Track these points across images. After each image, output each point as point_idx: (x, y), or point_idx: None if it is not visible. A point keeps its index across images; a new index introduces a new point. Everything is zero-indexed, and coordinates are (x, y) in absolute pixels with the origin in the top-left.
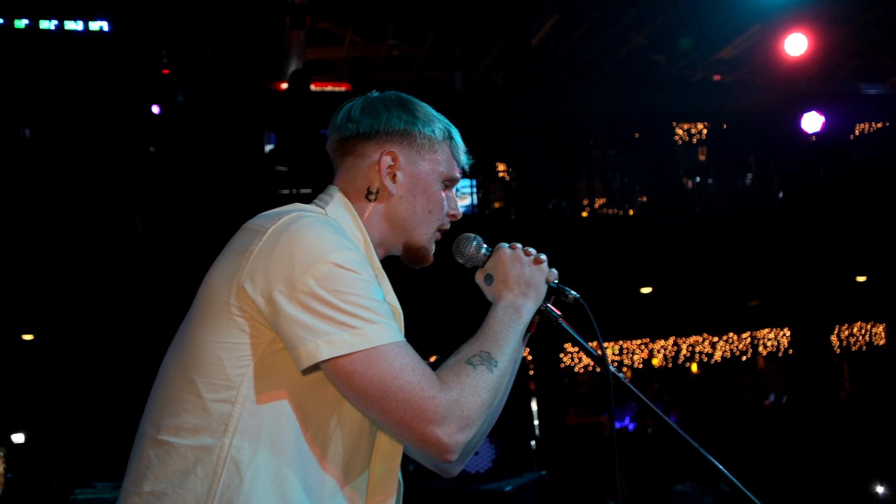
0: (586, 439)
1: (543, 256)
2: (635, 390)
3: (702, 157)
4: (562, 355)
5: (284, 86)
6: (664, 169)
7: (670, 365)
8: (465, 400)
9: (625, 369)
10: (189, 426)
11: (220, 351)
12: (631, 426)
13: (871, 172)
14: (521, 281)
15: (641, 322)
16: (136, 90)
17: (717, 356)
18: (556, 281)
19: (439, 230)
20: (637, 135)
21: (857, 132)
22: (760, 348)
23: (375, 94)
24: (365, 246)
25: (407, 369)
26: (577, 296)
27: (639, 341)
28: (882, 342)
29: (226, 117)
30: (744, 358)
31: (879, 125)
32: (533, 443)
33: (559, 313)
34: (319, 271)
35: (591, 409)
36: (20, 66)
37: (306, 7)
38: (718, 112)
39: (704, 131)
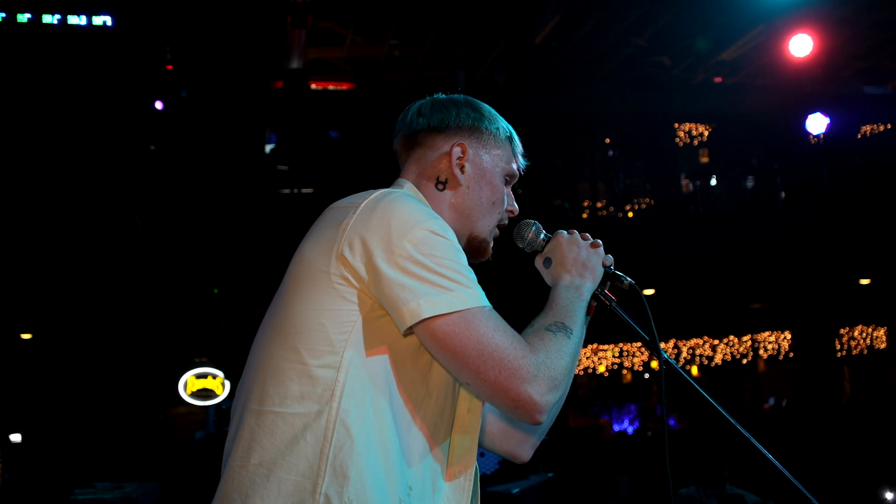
0: (587, 441)
1: (600, 242)
2: (688, 377)
3: (703, 160)
4: None
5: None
6: (666, 170)
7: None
8: (551, 361)
9: (625, 371)
10: (294, 394)
11: (323, 318)
12: (630, 429)
13: (876, 175)
14: (579, 263)
15: (642, 324)
16: (139, 86)
17: (718, 359)
18: (612, 266)
19: (498, 226)
20: (639, 136)
21: (861, 134)
22: (761, 351)
23: (442, 95)
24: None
25: (499, 331)
26: (633, 282)
27: (639, 343)
28: (883, 346)
29: (228, 115)
30: (744, 361)
31: (883, 127)
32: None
33: (614, 298)
34: (416, 237)
35: (590, 412)
36: (22, 60)
37: (308, 6)
38: (722, 114)
39: (706, 133)
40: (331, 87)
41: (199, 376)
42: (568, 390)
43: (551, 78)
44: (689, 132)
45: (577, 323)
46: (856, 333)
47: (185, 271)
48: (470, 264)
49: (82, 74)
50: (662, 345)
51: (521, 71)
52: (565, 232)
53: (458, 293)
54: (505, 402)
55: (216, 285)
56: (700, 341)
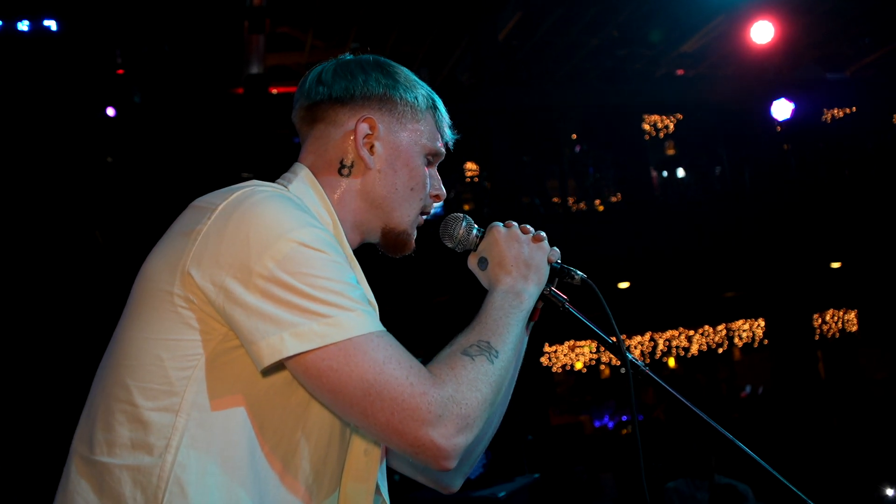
0: (569, 439)
1: (543, 234)
2: (655, 378)
3: (670, 152)
4: (540, 357)
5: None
6: (635, 163)
7: (647, 360)
8: (462, 396)
9: (602, 367)
10: (124, 441)
11: (161, 350)
12: (610, 424)
13: (841, 158)
14: (520, 262)
15: (617, 318)
16: (89, 92)
17: (694, 349)
18: (559, 261)
19: (423, 213)
20: (606, 129)
21: (824, 119)
22: (736, 340)
23: (349, 56)
24: (334, 229)
25: (391, 362)
26: (585, 276)
27: (614, 338)
28: (855, 328)
29: (186, 121)
30: (720, 350)
31: (846, 111)
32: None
33: (565, 297)
34: (280, 251)
35: (570, 409)
36: None
37: (265, 11)
38: (687, 104)
39: (671, 126)
40: (292, 92)
41: None
42: (498, 424)
43: (515, 75)
44: (655, 125)
45: (509, 341)
46: (828, 317)
47: None
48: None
49: (29, 81)
50: (638, 338)
51: (484, 68)
52: (501, 225)
53: (336, 319)
54: (403, 448)
55: None
56: (676, 333)
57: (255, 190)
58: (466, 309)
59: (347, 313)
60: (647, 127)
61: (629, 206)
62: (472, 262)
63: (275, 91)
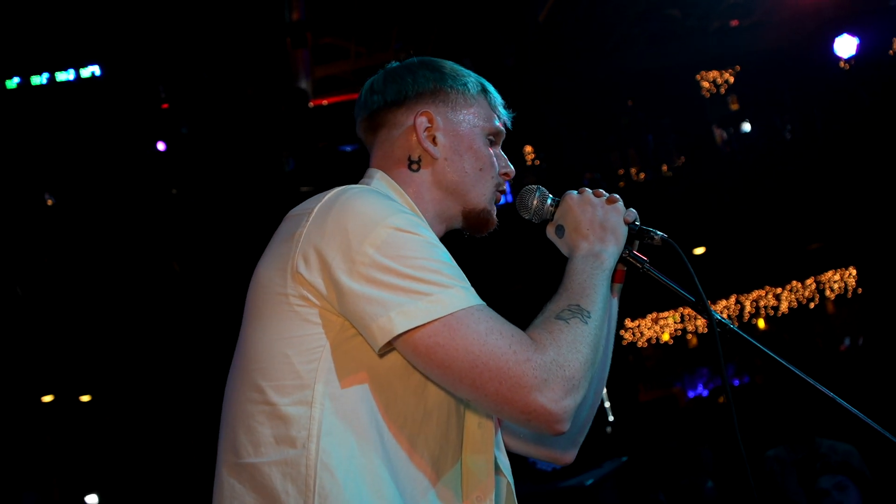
0: (662, 414)
1: (617, 196)
2: (745, 335)
3: (734, 107)
4: (622, 332)
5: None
6: (695, 123)
7: (736, 324)
8: (564, 358)
9: (689, 336)
10: (267, 440)
11: (286, 347)
12: (705, 392)
13: None
14: (596, 225)
15: (684, 284)
16: (137, 129)
17: (784, 307)
18: (637, 222)
19: (498, 190)
20: (662, 93)
21: (893, 51)
22: (827, 292)
23: (395, 64)
24: (422, 221)
25: (493, 333)
26: (665, 236)
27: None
28: None
29: (237, 144)
30: (811, 305)
31: None
32: (608, 428)
33: (646, 259)
34: (378, 238)
35: (661, 383)
36: (17, 125)
37: (305, 25)
38: (744, 56)
39: (731, 80)
40: (342, 100)
41: None
42: (603, 385)
43: (560, 52)
44: (715, 80)
45: (598, 301)
46: None
47: (228, 311)
48: (457, 256)
49: (80, 128)
50: (724, 302)
51: (527, 50)
52: (574, 192)
53: (437, 296)
54: (514, 416)
55: None
56: (762, 292)
57: (346, 189)
58: (540, 297)
59: (447, 290)
60: (705, 84)
61: (695, 169)
62: (549, 232)
63: (325, 102)
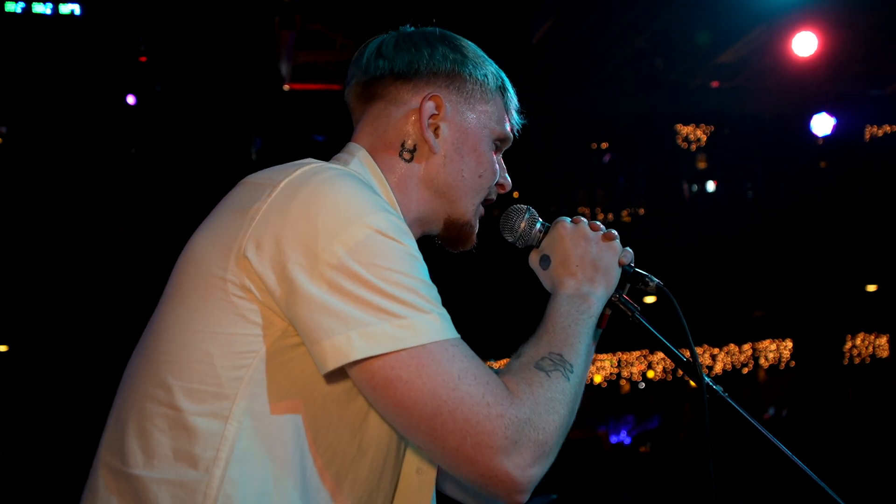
0: (588, 455)
1: (615, 233)
2: (732, 402)
3: (701, 165)
4: None
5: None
6: (666, 174)
7: (669, 378)
8: (540, 419)
9: (623, 382)
10: (163, 451)
11: (211, 344)
12: (627, 440)
13: (882, 178)
14: (587, 262)
15: (641, 333)
16: (110, 79)
17: (718, 368)
18: (633, 264)
19: (485, 202)
20: (639, 138)
21: (867, 136)
22: (762, 360)
23: (411, 28)
24: (404, 225)
25: (467, 376)
26: (661, 283)
27: (638, 353)
28: (885, 354)
29: (209, 114)
30: (745, 370)
31: (889, 129)
32: None
33: (637, 306)
34: (353, 238)
35: (585, 423)
36: None
37: (296, 7)
38: (722, 116)
39: (704, 138)
40: (319, 88)
41: None
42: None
43: (548, 79)
44: (687, 137)
45: (581, 353)
46: (858, 342)
47: (163, 285)
48: (428, 262)
49: (48, 64)
50: (662, 354)
51: (517, 71)
52: (568, 220)
53: (410, 321)
54: (472, 477)
55: None
56: (700, 350)
57: (322, 167)
58: (488, 318)
59: (423, 316)
60: (678, 139)
61: (657, 219)
62: (533, 260)
63: (301, 88)
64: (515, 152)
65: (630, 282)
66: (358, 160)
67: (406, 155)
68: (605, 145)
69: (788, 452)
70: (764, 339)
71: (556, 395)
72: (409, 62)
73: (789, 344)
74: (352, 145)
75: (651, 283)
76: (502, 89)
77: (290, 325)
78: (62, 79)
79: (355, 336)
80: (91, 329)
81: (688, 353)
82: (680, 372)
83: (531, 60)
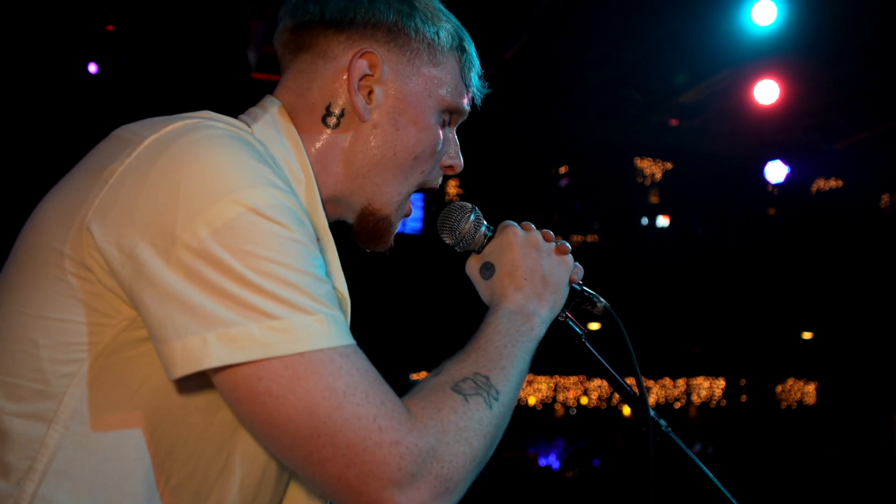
0: (518, 475)
1: (568, 245)
2: (676, 439)
3: (654, 199)
4: None
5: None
6: (622, 204)
7: (604, 406)
8: (447, 449)
9: (557, 406)
10: None
11: (37, 331)
12: (556, 464)
13: (826, 230)
14: (537, 276)
15: (580, 360)
16: (73, 42)
17: (651, 401)
18: (581, 282)
19: (422, 189)
20: (598, 166)
21: (814, 188)
22: (694, 397)
23: None
24: (307, 192)
25: (356, 393)
26: (608, 305)
27: (575, 378)
28: (812, 401)
29: (169, 91)
30: (677, 405)
31: (832, 185)
32: None
33: (583, 330)
34: (220, 216)
35: (515, 444)
36: None
37: None
38: (679, 154)
39: (659, 173)
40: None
41: None
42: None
43: (515, 97)
44: (644, 171)
45: (512, 379)
46: (787, 386)
47: None
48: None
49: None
50: (598, 381)
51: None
52: (517, 226)
53: (286, 322)
54: None
55: None
56: (633, 381)
57: (201, 124)
58: (412, 327)
59: (303, 316)
60: (636, 172)
61: (607, 248)
62: (472, 267)
63: (264, 77)
64: (475, 162)
65: (577, 300)
66: (271, 117)
67: (331, 120)
68: (563, 170)
69: (727, 493)
70: (698, 375)
71: (470, 424)
72: (345, 9)
73: (722, 383)
74: (268, 99)
75: (599, 304)
76: (458, 50)
77: (138, 315)
78: (23, 34)
79: (212, 338)
80: None
81: (632, 382)
82: (615, 400)
83: (502, 74)
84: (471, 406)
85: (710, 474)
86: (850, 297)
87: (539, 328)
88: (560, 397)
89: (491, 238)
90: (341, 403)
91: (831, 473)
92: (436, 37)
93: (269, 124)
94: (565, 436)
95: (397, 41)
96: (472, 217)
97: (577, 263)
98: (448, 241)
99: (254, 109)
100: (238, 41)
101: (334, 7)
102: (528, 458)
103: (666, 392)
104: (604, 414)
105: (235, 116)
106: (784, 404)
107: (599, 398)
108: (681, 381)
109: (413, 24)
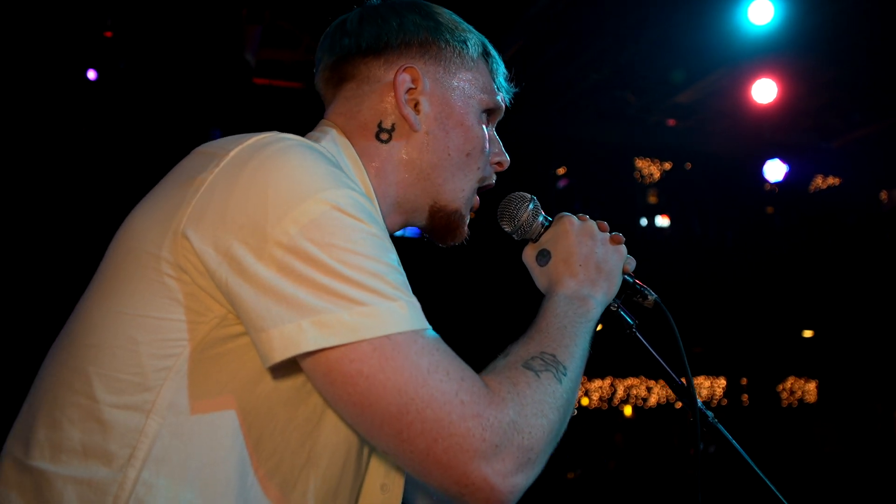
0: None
1: (622, 236)
2: (722, 429)
3: (652, 200)
4: None
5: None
6: (621, 205)
7: (605, 407)
8: (526, 422)
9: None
10: (73, 445)
11: (136, 329)
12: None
13: (825, 228)
14: (591, 263)
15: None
16: (72, 48)
17: (652, 401)
18: (634, 276)
19: (481, 187)
20: (598, 167)
21: (812, 187)
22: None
23: (376, 1)
24: (371, 204)
25: (438, 371)
26: (658, 299)
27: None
28: (813, 399)
29: (170, 97)
30: (677, 405)
31: (830, 182)
32: None
33: (635, 320)
34: (307, 214)
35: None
36: None
37: (267, 1)
38: (677, 154)
39: (658, 173)
40: (278, 85)
41: None
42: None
43: (513, 100)
44: (643, 170)
45: (577, 356)
46: (788, 385)
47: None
48: (399, 260)
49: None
50: (599, 382)
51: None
52: (574, 217)
53: (372, 308)
54: (446, 486)
55: None
56: (637, 381)
57: (279, 137)
58: (470, 321)
59: (387, 302)
60: (635, 174)
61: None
62: (528, 254)
63: (261, 82)
64: None
65: (629, 292)
66: (331, 138)
67: (384, 136)
68: (562, 171)
69: (769, 483)
70: (699, 375)
71: (545, 398)
72: (377, 35)
73: (723, 382)
74: (323, 125)
75: (650, 297)
76: (486, 55)
77: (231, 313)
78: (23, 42)
79: (307, 325)
80: (33, 316)
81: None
82: (616, 400)
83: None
84: (542, 381)
85: (754, 465)
86: (849, 295)
87: (595, 310)
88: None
89: (547, 227)
90: (426, 380)
91: (832, 471)
92: (464, 46)
93: (331, 143)
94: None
95: (431, 54)
96: (531, 206)
97: (630, 256)
98: (507, 228)
99: (313, 133)
100: (236, 46)
101: (368, 36)
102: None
103: (667, 392)
104: (605, 414)
105: (244, 122)
106: (785, 403)
107: (601, 398)
108: (682, 381)
109: (442, 37)
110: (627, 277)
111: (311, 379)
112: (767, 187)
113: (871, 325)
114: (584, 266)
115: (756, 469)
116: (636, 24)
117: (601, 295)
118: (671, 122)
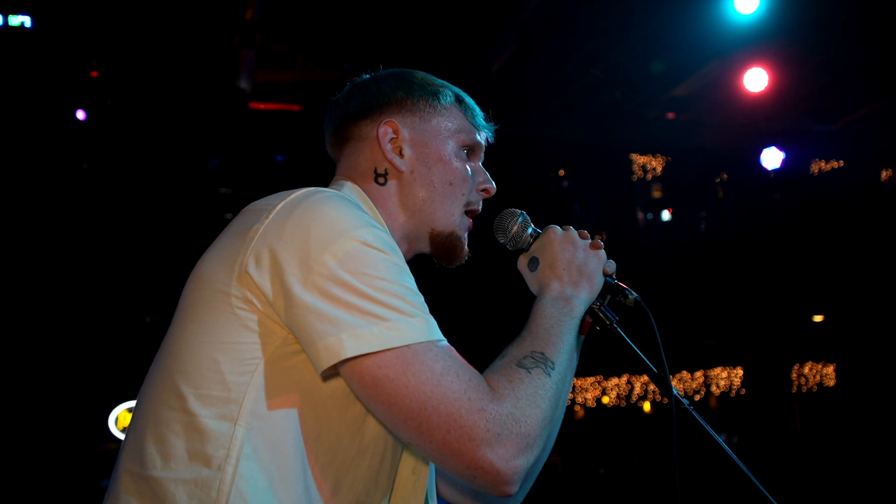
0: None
1: (601, 242)
2: (700, 420)
3: (656, 194)
4: None
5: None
6: (621, 202)
7: (623, 404)
8: (522, 412)
9: (577, 408)
10: (179, 453)
11: (218, 353)
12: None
13: (828, 211)
14: (573, 267)
15: (596, 358)
16: (60, 93)
17: None
18: (615, 276)
19: (468, 212)
20: (595, 167)
21: (813, 170)
22: (713, 388)
23: (366, 76)
24: (391, 240)
25: (449, 374)
26: (639, 298)
27: (592, 379)
28: (832, 383)
29: (164, 130)
30: (696, 397)
31: (835, 164)
32: None
33: (616, 316)
34: (342, 249)
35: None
36: None
37: (257, 26)
38: (676, 147)
39: (659, 168)
40: (277, 109)
41: (131, 410)
42: (552, 444)
43: (508, 106)
44: (644, 166)
45: (563, 351)
46: (806, 370)
47: (118, 298)
48: (415, 278)
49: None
50: (615, 380)
51: (477, 98)
52: (559, 227)
53: (395, 324)
54: (459, 470)
55: (149, 313)
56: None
57: (316, 190)
58: (476, 328)
59: (408, 319)
60: (635, 168)
61: (611, 246)
62: (522, 263)
63: (261, 107)
64: None
65: (611, 293)
66: (348, 189)
67: (381, 179)
68: (561, 172)
69: (747, 471)
70: (715, 366)
71: (537, 390)
72: (362, 102)
73: (740, 372)
74: (337, 178)
75: (630, 297)
76: (459, 101)
77: (290, 334)
78: (10, 92)
79: (346, 337)
80: (40, 344)
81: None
82: (634, 397)
83: (490, 87)
84: (534, 376)
85: (729, 450)
86: (857, 277)
87: (577, 309)
88: (579, 399)
89: (536, 238)
90: (440, 381)
91: (857, 453)
92: (434, 97)
93: (350, 192)
94: (585, 438)
95: (407, 108)
96: (521, 220)
97: (610, 260)
98: (501, 240)
99: (332, 187)
100: (228, 73)
101: (355, 104)
102: (553, 463)
103: (684, 385)
104: (624, 411)
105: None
106: (805, 388)
107: (618, 396)
108: (698, 374)
109: (415, 93)
110: (609, 279)
111: (350, 384)
112: (771, 174)
113: (883, 304)
114: (567, 270)
115: (734, 457)
116: (625, 22)
117: (584, 294)
118: (668, 115)
